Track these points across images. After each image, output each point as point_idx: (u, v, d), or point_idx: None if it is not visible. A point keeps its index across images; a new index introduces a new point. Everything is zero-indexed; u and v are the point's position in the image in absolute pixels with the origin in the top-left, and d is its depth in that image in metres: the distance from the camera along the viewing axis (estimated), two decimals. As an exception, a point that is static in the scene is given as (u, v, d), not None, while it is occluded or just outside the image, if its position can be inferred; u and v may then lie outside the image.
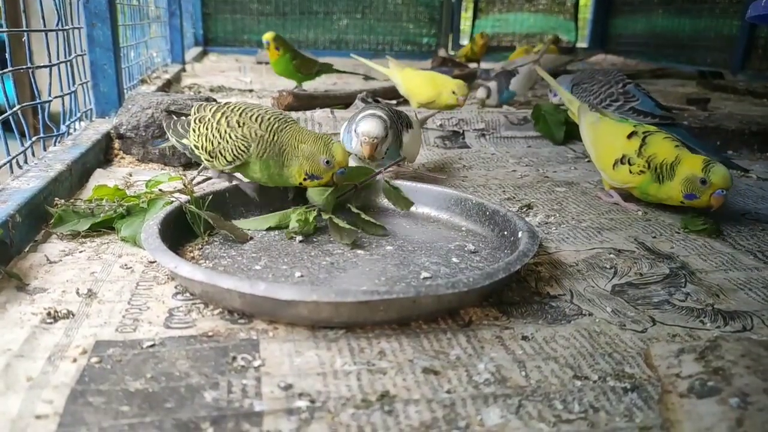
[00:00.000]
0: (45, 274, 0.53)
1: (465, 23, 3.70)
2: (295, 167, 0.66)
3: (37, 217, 0.63)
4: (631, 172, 0.77)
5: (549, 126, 1.18)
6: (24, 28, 0.78)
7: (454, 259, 0.59)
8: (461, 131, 1.18)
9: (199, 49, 2.69)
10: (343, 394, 0.39)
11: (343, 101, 1.38)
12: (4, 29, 0.73)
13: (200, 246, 0.60)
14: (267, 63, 1.90)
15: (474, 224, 0.68)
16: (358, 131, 0.76)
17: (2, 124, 0.69)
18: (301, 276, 0.55)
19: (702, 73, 2.24)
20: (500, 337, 0.47)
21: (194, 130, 0.70)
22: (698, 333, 0.49)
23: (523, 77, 1.45)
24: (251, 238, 0.63)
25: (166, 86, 1.51)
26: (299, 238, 0.63)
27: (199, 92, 1.60)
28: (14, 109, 0.73)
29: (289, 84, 1.69)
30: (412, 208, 0.72)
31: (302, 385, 0.40)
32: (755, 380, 0.40)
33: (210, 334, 0.45)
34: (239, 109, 0.68)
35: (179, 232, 0.60)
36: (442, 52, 2.73)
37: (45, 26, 0.84)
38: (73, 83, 0.94)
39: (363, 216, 0.65)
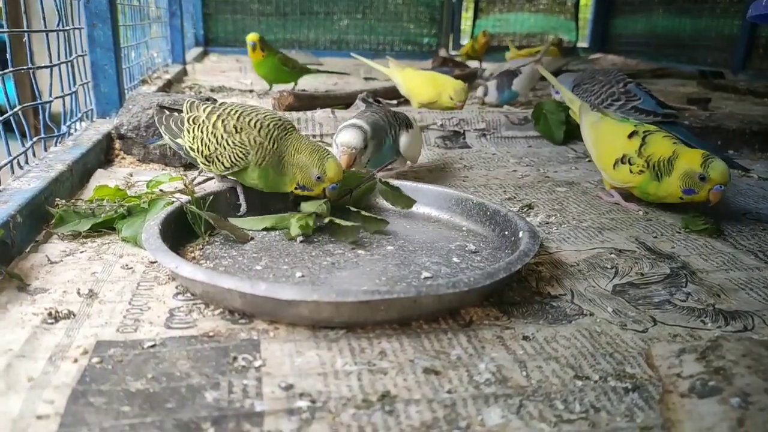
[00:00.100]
0: (46, 275, 0.54)
1: (465, 23, 3.70)
2: (289, 176, 0.66)
3: (38, 218, 0.63)
4: (631, 171, 0.77)
5: (549, 126, 1.18)
6: (25, 29, 0.78)
7: (455, 259, 0.59)
8: (462, 131, 1.18)
9: (199, 50, 2.69)
10: (343, 395, 0.39)
11: (344, 101, 1.38)
12: (5, 30, 0.73)
13: (201, 246, 0.60)
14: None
15: (475, 224, 0.68)
16: (338, 141, 0.76)
17: (3, 124, 0.69)
18: (302, 276, 0.55)
19: (703, 73, 2.24)
20: (501, 337, 0.47)
21: (188, 131, 0.69)
22: (699, 333, 0.49)
23: (525, 77, 1.45)
24: (252, 239, 0.63)
25: (167, 86, 1.52)
26: (300, 238, 0.63)
27: (200, 92, 1.60)
28: (15, 109, 0.73)
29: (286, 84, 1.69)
30: (414, 208, 0.72)
31: (303, 385, 0.40)
32: (756, 380, 0.40)
33: (211, 334, 0.45)
34: (236, 112, 0.67)
35: (180, 232, 0.60)
36: (442, 52, 2.73)
37: (46, 26, 0.84)
38: (74, 83, 0.94)
39: (363, 213, 0.65)
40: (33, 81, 0.81)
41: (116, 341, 0.44)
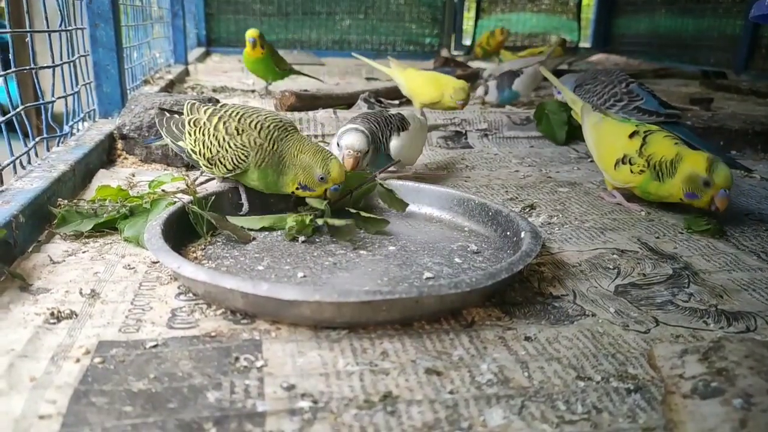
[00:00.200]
0: (48, 275, 0.54)
1: (467, 23, 3.70)
2: (291, 176, 0.66)
3: (40, 218, 0.63)
4: (632, 171, 0.77)
5: (551, 126, 1.18)
6: (27, 29, 0.78)
7: (457, 260, 0.59)
8: (464, 131, 1.18)
9: (201, 50, 2.69)
10: (345, 395, 0.39)
11: (346, 101, 1.38)
12: (8, 30, 0.73)
13: (203, 246, 0.60)
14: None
15: (477, 224, 0.68)
16: (342, 144, 0.76)
17: (6, 124, 0.69)
18: (304, 276, 0.55)
19: (705, 73, 2.23)
20: (503, 338, 0.47)
21: (190, 134, 0.69)
22: (702, 334, 0.49)
23: (527, 77, 1.45)
24: (254, 239, 0.63)
25: (169, 87, 1.52)
26: (302, 238, 0.63)
27: (202, 93, 1.60)
28: (18, 109, 0.73)
29: (285, 85, 1.69)
30: (415, 209, 0.72)
31: (305, 386, 0.40)
32: (759, 381, 0.40)
33: (213, 334, 0.45)
34: (237, 114, 0.67)
35: (182, 232, 0.60)
36: (444, 52, 2.73)
37: (48, 27, 0.84)
38: (76, 84, 0.94)
39: (362, 214, 0.65)
40: (35, 81, 0.81)
41: (118, 341, 0.44)
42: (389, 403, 0.38)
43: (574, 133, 1.16)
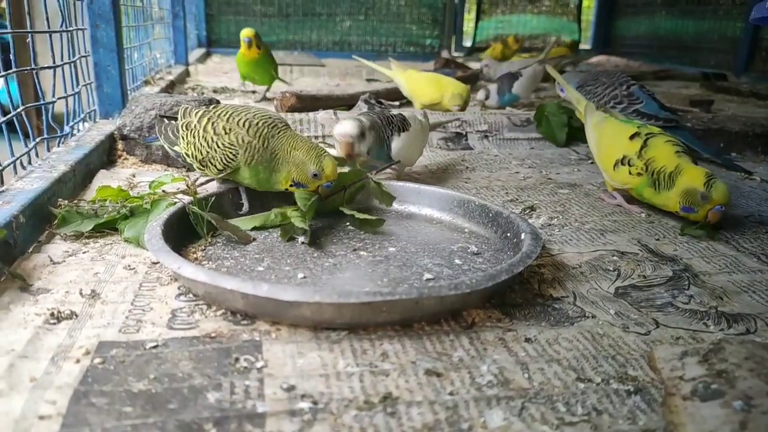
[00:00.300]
0: (48, 275, 0.54)
1: (468, 25, 3.70)
2: (284, 173, 0.66)
3: (40, 218, 0.63)
4: (630, 173, 0.77)
5: (552, 128, 1.18)
6: (28, 30, 0.79)
7: (457, 261, 0.59)
8: (464, 133, 1.18)
9: (202, 51, 2.70)
10: (345, 396, 0.39)
11: (346, 102, 1.38)
12: (9, 30, 0.73)
13: (203, 247, 0.60)
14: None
15: (477, 226, 0.68)
16: (334, 133, 0.77)
17: (6, 124, 0.69)
18: (304, 277, 0.55)
19: (705, 75, 2.24)
20: (503, 339, 0.47)
21: (183, 138, 0.69)
22: (702, 335, 0.49)
23: (526, 79, 1.45)
24: (254, 240, 0.63)
25: (170, 87, 1.52)
26: (301, 239, 0.63)
27: (203, 93, 1.60)
28: (18, 110, 0.73)
29: (285, 86, 1.69)
30: (415, 210, 0.72)
31: (305, 387, 0.40)
32: (759, 383, 0.40)
33: (213, 335, 0.45)
34: (226, 113, 0.67)
35: (182, 233, 0.60)
36: (445, 54, 2.73)
37: (49, 27, 0.84)
38: (77, 84, 0.94)
39: (357, 215, 0.65)
40: (36, 81, 0.81)
41: (118, 342, 0.44)
42: (389, 405, 0.38)
43: (574, 135, 1.16)
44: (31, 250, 0.59)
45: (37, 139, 0.78)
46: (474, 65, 2.31)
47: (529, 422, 0.38)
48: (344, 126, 0.77)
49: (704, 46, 2.65)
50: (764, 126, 1.21)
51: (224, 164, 0.66)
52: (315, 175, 0.65)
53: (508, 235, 0.64)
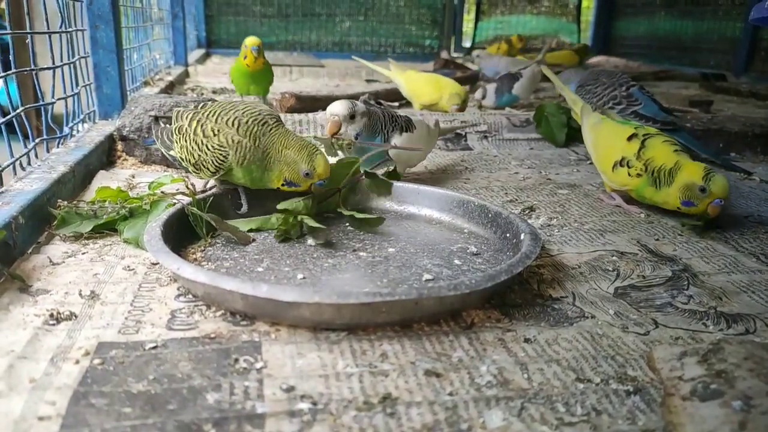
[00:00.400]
0: (48, 276, 0.54)
1: (467, 25, 3.70)
2: (276, 172, 0.65)
3: (40, 219, 0.63)
4: (629, 174, 0.77)
5: (551, 128, 1.18)
6: (27, 30, 0.79)
7: (457, 261, 0.59)
8: (463, 133, 1.18)
9: (201, 51, 2.70)
10: (345, 396, 0.39)
11: (346, 103, 1.37)
12: (8, 31, 0.73)
13: (203, 248, 0.60)
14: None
15: (476, 226, 0.68)
16: (326, 111, 0.79)
17: (6, 125, 0.69)
18: (304, 278, 0.55)
19: (705, 76, 2.24)
20: (502, 340, 0.47)
21: (176, 141, 0.69)
22: (701, 336, 0.49)
23: (526, 80, 1.45)
24: (254, 240, 0.63)
25: (169, 88, 1.52)
26: (310, 240, 0.63)
27: (202, 94, 1.60)
28: (18, 110, 0.73)
29: (285, 87, 1.68)
30: (415, 210, 0.72)
31: (304, 387, 0.40)
32: (758, 383, 0.40)
33: (212, 335, 0.45)
34: (214, 113, 0.67)
35: (182, 233, 0.60)
36: (444, 54, 2.73)
37: (48, 28, 0.84)
38: (77, 85, 0.94)
39: (356, 215, 0.65)
40: (36, 82, 0.81)
41: (118, 342, 0.44)
42: (389, 405, 0.38)
43: (573, 135, 1.16)
44: (30, 251, 0.59)
45: (37, 140, 0.78)
46: (474, 66, 2.32)
47: (528, 422, 0.38)
48: (335, 105, 0.78)
49: (704, 46, 2.66)
50: (763, 126, 1.21)
51: (216, 166, 0.66)
52: (307, 174, 0.64)
53: (508, 235, 0.64)
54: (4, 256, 0.54)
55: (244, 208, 0.69)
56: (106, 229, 0.63)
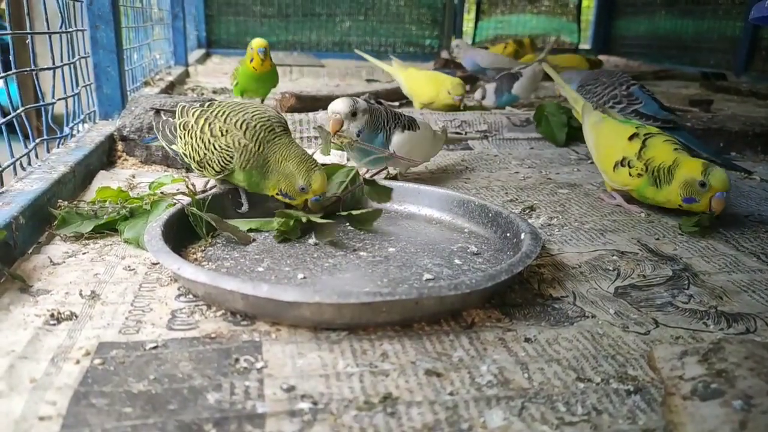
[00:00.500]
0: (48, 276, 0.54)
1: (467, 25, 3.70)
2: (272, 181, 0.65)
3: (40, 219, 0.63)
4: (630, 174, 0.77)
5: (551, 128, 1.18)
6: (28, 31, 0.79)
7: (457, 261, 0.59)
8: (464, 133, 1.18)
9: (202, 51, 2.70)
10: (345, 396, 0.39)
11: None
12: (8, 31, 0.73)
13: (203, 248, 0.61)
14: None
15: (477, 226, 0.68)
16: (328, 109, 0.79)
17: (6, 126, 0.69)
18: (304, 278, 0.55)
19: (705, 75, 2.23)
20: (503, 339, 0.47)
21: (181, 137, 0.69)
22: (701, 335, 0.49)
23: (526, 80, 1.45)
24: (254, 240, 0.63)
25: (170, 88, 1.52)
26: (312, 241, 0.63)
27: (202, 94, 1.60)
28: (18, 111, 0.73)
29: (284, 87, 1.68)
30: (415, 210, 0.72)
31: (305, 387, 0.40)
32: (759, 382, 0.40)
33: (213, 335, 0.45)
34: (223, 113, 0.66)
35: (182, 233, 0.60)
36: (444, 54, 2.73)
37: (48, 28, 0.84)
38: (77, 85, 0.94)
39: (354, 213, 0.65)
40: (36, 83, 0.81)
41: (118, 342, 0.44)
42: (389, 405, 0.38)
43: (573, 135, 1.16)
44: (30, 251, 0.59)
45: (37, 140, 0.78)
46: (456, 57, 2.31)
47: (529, 422, 0.38)
48: (337, 103, 0.78)
49: (704, 45, 2.65)
50: (764, 125, 1.21)
51: (222, 166, 0.66)
52: (302, 189, 0.64)
53: (508, 235, 0.64)
54: (4, 256, 0.54)
55: (245, 208, 0.69)
56: (107, 229, 0.63)
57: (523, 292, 0.55)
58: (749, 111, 1.48)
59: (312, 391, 0.40)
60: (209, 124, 0.66)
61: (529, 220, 0.73)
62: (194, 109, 0.69)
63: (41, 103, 0.81)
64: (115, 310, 0.48)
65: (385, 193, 0.71)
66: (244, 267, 0.57)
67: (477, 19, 3.64)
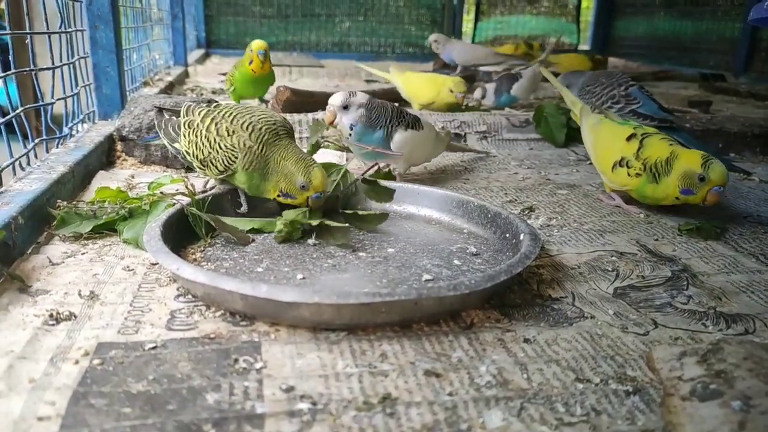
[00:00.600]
0: (47, 276, 0.54)
1: (467, 26, 3.70)
2: (273, 182, 0.65)
3: (39, 219, 0.63)
4: (629, 174, 0.77)
5: (550, 128, 1.18)
6: (27, 31, 0.79)
7: (456, 262, 0.59)
8: (463, 134, 1.18)
9: (201, 52, 2.69)
10: (344, 397, 0.39)
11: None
12: (8, 32, 0.73)
13: (202, 248, 0.60)
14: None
15: (476, 226, 0.68)
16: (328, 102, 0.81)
17: (5, 126, 0.69)
18: (303, 278, 0.55)
19: (704, 76, 2.24)
20: (502, 340, 0.47)
21: (185, 136, 0.69)
22: (700, 336, 0.49)
23: (526, 80, 1.45)
24: (253, 240, 0.63)
25: (169, 88, 1.52)
26: (311, 241, 0.63)
27: (202, 94, 1.60)
28: (17, 111, 0.73)
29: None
30: (414, 210, 0.72)
31: (304, 388, 0.40)
32: (757, 383, 0.40)
33: (212, 336, 0.45)
34: (230, 114, 0.67)
35: (181, 234, 0.60)
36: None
37: (48, 28, 0.84)
38: (76, 85, 0.94)
39: (357, 212, 0.65)
40: (35, 83, 0.81)
41: (117, 343, 0.44)
42: (388, 405, 0.39)
43: (573, 136, 1.16)
44: (29, 251, 0.59)
45: (36, 141, 0.78)
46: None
47: (528, 423, 0.38)
48: (334, 96, 0.80)
49: (703, 46, 2.66)
50: (763, 126, 1.21)
51: (225, 166, 0.66)
52: (303, 186, 0.64)
53: (507, 235, 0.64)
54: (3, 257, 0.54)
55: (244, 208, 0.69)
56: (106, 229, 0.63)
57: (522, 293, 0.55)
58: (748, 112, 1.49)
59: (311, 391, 0.40)
60: (216, 124, 0.66)
61: (528, 221, 0.73)
62: (200, 109, 0.69)
63: (40, 103, 0.81)
64: (114, 311, 0.48)
65: (386, 194, 0.71)
66: (243, 267, 0.57)
67: (476, 19, 3.63)
